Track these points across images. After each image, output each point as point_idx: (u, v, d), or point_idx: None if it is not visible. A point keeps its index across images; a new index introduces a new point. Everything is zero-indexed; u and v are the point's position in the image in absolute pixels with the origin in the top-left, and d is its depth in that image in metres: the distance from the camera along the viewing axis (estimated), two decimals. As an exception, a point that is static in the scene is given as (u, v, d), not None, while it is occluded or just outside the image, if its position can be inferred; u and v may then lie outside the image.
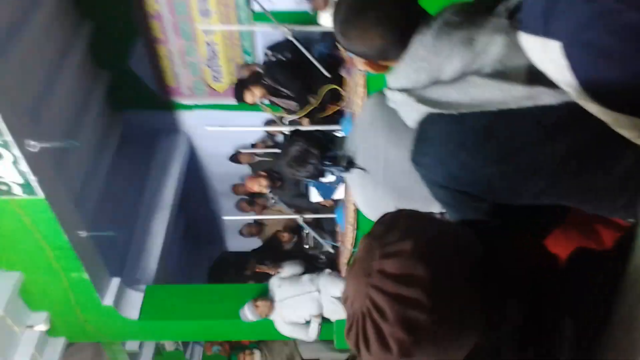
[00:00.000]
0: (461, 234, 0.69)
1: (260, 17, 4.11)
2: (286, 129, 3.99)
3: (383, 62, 1.05)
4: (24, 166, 2.88)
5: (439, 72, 0.93)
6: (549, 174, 0.89)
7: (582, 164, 0.86)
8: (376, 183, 1.49)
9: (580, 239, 1.19)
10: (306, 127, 3.73)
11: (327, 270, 4.06)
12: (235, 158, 5.21)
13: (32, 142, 2.85)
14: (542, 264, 0.72)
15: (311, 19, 4.16)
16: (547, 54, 0.69)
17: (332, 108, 3.80)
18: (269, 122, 4.90)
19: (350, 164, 1.54)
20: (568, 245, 1.03)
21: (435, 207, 1.44)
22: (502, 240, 0.77)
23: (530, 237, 0.82)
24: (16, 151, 2.81)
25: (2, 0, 3.31)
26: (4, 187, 2.97)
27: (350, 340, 0.64)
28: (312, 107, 3.74)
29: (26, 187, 2.98)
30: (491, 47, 0.88)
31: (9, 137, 2.74)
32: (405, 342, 0.58)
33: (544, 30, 0.67)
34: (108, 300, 3.83)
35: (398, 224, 0.66)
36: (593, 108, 0.71)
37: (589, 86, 0.67)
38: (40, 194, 3.02)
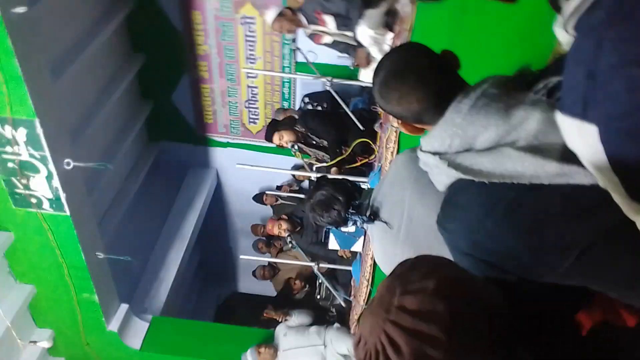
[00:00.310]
0: (481, 280, 0.69)
1: (303, 67, 4.26)
2: (314, 176, 4.03)
3: (419, 125, 1.06)
4: (56, 182, 2.97)
5: (473, 140, 0.94)
6: (575, 254, 0.86)
7: (609, 248, 0.84)
8: (397, 239, 1.48)
9: (603, 316, 1.14)
10: (334, 176, 3.75)
11: (336, 325, 3.95)
12: (259, 198, 5.25)
13: (67, 160, 2.95)
14: (564, 327, 0.69)
15: (351, 74, 4.29)
16: (582, 137, 0.69)
17: (361, 160, 3.82)
18: (298, 168, 4.96)
19: (374, 216, 1.53)
20: (591, 319, 0.99)
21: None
22: (527, 296, 0.75)
23: (557, 301, 0.79)
24: (52, 167, 2.91)
25: (68, 25, 3.54)
26: (34, 200, 3.05)
27: None
28: (342, 157, 3.77)
29: (55, 202, 3.06)
30: (528, 121, 0.88)
31: (47, 153, 2.85)
32: None
33: (582, 114, 0.67)
34: (113, 325, 3.80)
35: (421, 265, 0.67)
36: (617, 197, 0.70)
37: (621, 173, 0.66)
38: (67, 211, 3.09)
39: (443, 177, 1.00)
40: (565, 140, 0.77)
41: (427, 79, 0.99)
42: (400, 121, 1.09)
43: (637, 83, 0.58)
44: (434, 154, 1.00)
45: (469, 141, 0.95)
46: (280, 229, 4.49)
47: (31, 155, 2.88)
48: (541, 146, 0.86)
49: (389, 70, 1.02)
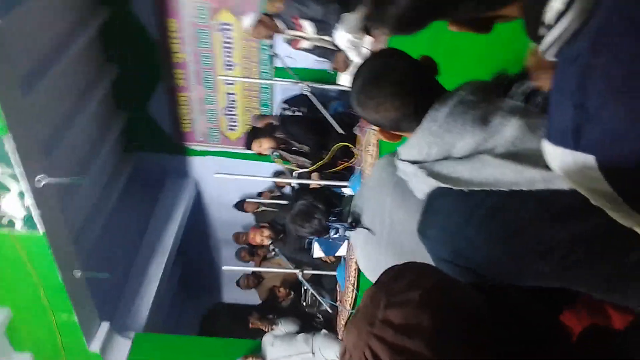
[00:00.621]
0: (465, 286, 0.68)
1: (282, 72, 4.23)
2: (294, 182, 3.99)
3: (397, 132, 1.06)
4: (29, 200, 2.87)
5: (450, 147, 0.94)
6: (555, 259, 0.86)
7: (591, 252, 0.84)
8: (379, 245, 1.47)
9: (590, 319, 1.15)
10: (315, 181, 3.73)
11: (324, 331, 3.92)
12: (240, 206, 5.19)
13: (41, 176, 2.86)
14: (552, 334, 0.68)
15: (330, 78, 4.27)
16: (578, 166, 0.68)
17: (342, 164, 3.81)
18: (278, 174, 4.92)
19: (355, 222, 1.52)
20: (579, 323, 0.98)
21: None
22: (513, 305, 0.74)
23: (543, 306, 0.78)
24: (24, 184, 2.81)
25: (40, 36, 3.45)
26: (5, 221, 2.95)
27: None
28: (322, 162, 3.75)
29: (28, 221, 2.96)
30: (505, 128, 0.88)
31: (20, 170, 2.76)
32: None
33: (575, 145, 0.66)
34: (95, 346, 3.69)
35: (405, 274, 0.66)
36: (614, 213, 0.69)
37: (625, 193, 0.66)
38: (41, 230, 2.99)
39: (422, 185, 1.00)
40: (552, 166, 0.75)
41: (405, 86, 0.98)
42: (378, 128, 1.08)
43: (629, 108, 0.57)
44: (413, 162, 0.99)
45: (447, 149, 0.94)
46: (263, 236, 4.45)
47: (2, 173, 2.78)
48: (519, 152, 0.86)
49: (366, 77, 1.00)
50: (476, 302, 0.66)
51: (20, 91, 2.87)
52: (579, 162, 0.67)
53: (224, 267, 4.26)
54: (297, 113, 4.21)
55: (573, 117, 0.64)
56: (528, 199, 0.86)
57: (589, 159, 0.65)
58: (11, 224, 2.97)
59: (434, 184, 0.96)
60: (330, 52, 3.51)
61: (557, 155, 0.72)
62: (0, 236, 3.03)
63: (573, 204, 0.80)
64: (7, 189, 2.84)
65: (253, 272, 5.20)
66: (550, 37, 0.67)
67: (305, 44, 3.53)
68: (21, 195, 2.87)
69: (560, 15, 0.64)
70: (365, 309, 0.63)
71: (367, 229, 1.49)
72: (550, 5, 0.65)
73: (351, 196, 1.72)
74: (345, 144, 3.62)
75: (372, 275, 1.55)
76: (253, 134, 3.90)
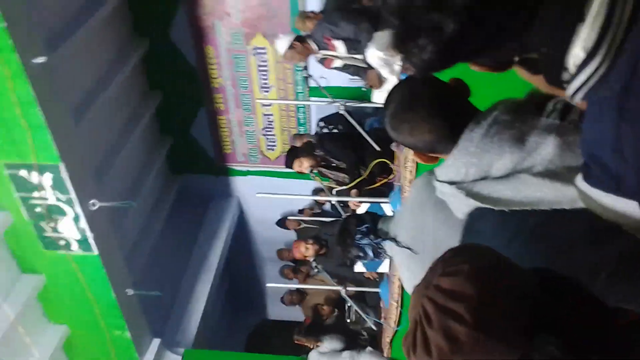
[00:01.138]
0: (521, 271, 0.73)
1: (316, 91, 4.30)
2: (334, 199, 4.02)
3: (433, 154, 1.06)
4: (83, 223, 3.03)
5: (488, 168, 0.94)
6: (603, 277, 0.85)
7: (636, 269, 0.82)
8: (423, 263, 1.45)
9: None
10: (354, 198, 3.74)
11: (369, 348, 3.88)
12: (282, 223, 5.25)
13: (93, 201, 3.02)
14: (599, 321, 0.71)
15: (364, 95, 4.30)
16: (619, 208, 0.68)
17: (380, 181, 3.80)
18: (318, 191, 4.96)
19: (393, 240, 1.52)
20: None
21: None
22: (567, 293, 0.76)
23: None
24: (78, 209, 2.98)
25: (86, 69, 3.67)
26: (63, 242, 3.12)
27: (404, 347, 0.71)
28: (360, 179, 3.76)
29: (83, 243, 3.12)
30: (543, 147, 0.88)
31: (73, 196, 2.92)
32: (444, 349, 0.65)
33: (616, 190, 0.66)
34: (146, 360, 3.82)
35: (463, 251, 0.74)
36: None
37: None
38: (95, 251, 3.14)
39: (462, 206, 1.00)
40: (590, 206, 0.75)
41: (437, 108, 0.99)
42: (414, 152, 1.09)
43: None
44: (451, 183, 0.99)
45: (484, 169, 0.94)
46: (307, 249, 4.45)
47: (58, 199, 2.95)
48: (558, 171, 0.86)
49: (398, 102, 1.02)
50: (526, 283, 0.71)
51: (71, 122, 3.05)
52: (620, 206, 0.67)
53: (268, 284, 4.32)
54: (334, 131, 4.25)
55: (611, 162, 0.64)
56: (571, 218, 0.85)
57: (631, 205, 0.66)
58: (67, 246, 3.14)
59: (473, 204, 0.95)
60: (362, 70, 3.54)
61: (594, 196, 0.72)
62: (57, 257, 3.21)
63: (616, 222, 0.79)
64: (64, 213, 3.01)
65: (297, 289, 5.22)
66: (577, 82, 0.66)
67: (337, 62, 3.58)
68: (76, 219, 3.03)
69: (584, 61, 0.64)
70: (426, 276, 0.73)
71: (408, 248, 1.48)
72: (572, 53, 0.65)
73: (390, 216, 1.72)
74: (383, 160, 3.62)
75: (417, 294, 1.54)
76: (293, 154, 3.96)
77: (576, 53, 0.64)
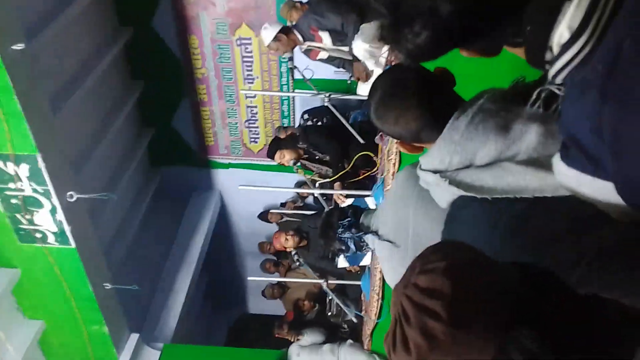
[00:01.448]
0: (500, 267, 0.73)
1: (301, 84, 4.28)
2: (317, 192, 4.01)
3: (417, 144, 1.06)
4: (60, 215, 2.96)
5: (472, 156, 0.94)
6: (584, 265, 0.85)
7: (619, 256, 0.83)
8: (405, 257, 1.46)
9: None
10: (337, 191, 3.73)
11: (349, 341, 3.90)
12: (264, 216, 5.23)
13: (71, 193, 2.95)
14: (583, 316, 0.72)
15: (349, 88, 4.29)
16: (595, 189, 0.69)
17: (364, 174, 3.81)
18: (301, 184, 4.94)
19: (374, 234, 1.52)
20: None
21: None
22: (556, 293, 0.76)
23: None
24: (55, 200, 2.91)
25: (66, 57, 3.57)
26: (39, 235, 3.05)
27: (385, 346, 0.72)
28: (344, 172, 3.76)
29: (60, 236, 3.05)
30: (526, 135, 0.88)
31: (50, 187, 2.85)
32: (422, 347, 0.66)
33: (594, 171, 0.67)
34: (125, 356, 3.76)
35: (441, 249, 0.75)
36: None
37: None
38: (72, 244, 3.08)
39: (445, 194, 1.00)
40: (563, 184, 0.76)
41: (422, 96, 0.98)
42: (398, 141, 1.09)
43: None
44: (434, 172, 0.99)
45: (468, 157, 0.94)
46: (287, 240, 4.43)
47: (34, 190, 2.88)
48: (542, 159, 0.86)
49: (383, 90, 1.01)
50: (505, 278, 0.71)
51: (49, 112, 2.97)
52: (597, 187, 0.68)
53: (249, 278, 4.30)
54: (318, 123, 4.24)
55: (590, 143, 0.65)
56: (554, 206, 0.86)
57: (608, 186, 0.66)
58: (44, 239, 3.07)
59: (456, 192, 0.96)
60: (348, 63, 3.53)
61: (572, 177, 0.72)
62: (33, 251, 3.13)
63: (599, 210, 0.79)
64: (40, 205, 2.94)
65: (278, 282, 5.22)
66: (560, 62, 0.66)
67: (323, 54, 3.56)
68: (53, 211, 2.96)
69: (568, 41, 0.64)
70: (405, 274, 0.74)
71: (390, 241, 1.48)
72: (556, 32, 0.65)
73: (364, 208, 1.72)
74: (367, 152, 3.62)
75: (398, 286, 1.55)
76: (276, 145, 3.94)
77: (561, 32, 0.64)
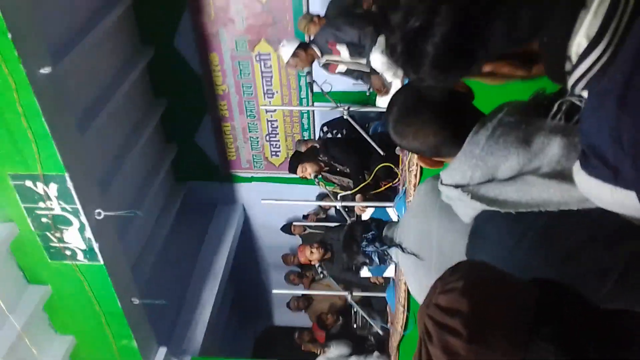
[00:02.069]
0: (519, 283, 0.75)
1: (320, 97, 4.31)
2: (338, 204, 4.00)
3: (437, 158, 1.05)
4: (88, 233, 3.03)
5: (494, 170, 0.93)
6: (613, 279, 0.84)
7: None
8: (430, 270, 1.44)
9: None
10: (359, 203, 3.72)
11: (376, 353, 3.86)
12: (287, 229, 5.25)
13: (98, 211, 3.02)
14: (603, 332, 0.71)
15: (368, 99, 4.30)
16: (617, 199, 0.67)
17: (385, 185, 3.78)
18: (322, 196, 4.95)
19: (398, 247, 1.51)
20: None
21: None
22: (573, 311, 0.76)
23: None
24: (83, 218, 2.98)
25: (91, 78, 3.68)
26: (69, 253, 3.12)
27: None
28: (365, 184, 3.75)
29: (88, 253, 3.12)
30: (549, 147, 0.87)
31: (78, 206, 2.92)
32: None
33: (615, 180, 0.65)
34: (153, 370, 3.80)
35: (460, 268, 0.77)
36: None
37: None
38: (101, 260, 3.14)
39: (468, 209, 0.99)
40: (585, 193, 0.75)
41: (441, 111, 0.98)
42: (419, 156, 1.08)
43: None
44: (456, 186, 0.98)
45: (490, 172, 0.93)
46: (312, 253, 4.44)
47: (63, 209, 2.96)
48: (565, 171, 0.84)
49: (401, 105, 1.01)
50: (524, 295, 0.72)
51: (76, 132, 3.06)
52: (618, 197, 0.67)
53: (274, 291, 4.30)
54: (338, 135, 4.25)
55: (610, 151, 0.63)
56: (580, 219, 0.84)
57: (630, 195, 0.64)
58: (73, 256, 3.14)
59: (479, 207, 0.95)
60: (366, 75, 3.54)
61: (593, 186, 0.71)
62: (63, 268, 3.21)
63: (625, 222, 0.78)
64: (69, 223, 3.01)
65: (303, 294, 5.21)
66: (579, 71, 0.66)
67: (341, 67, 3.58)
68: (81, 228, 3.03)
69: (586, 49, 0.63)
70: (428, 294, 0.78)
71: (414, 254, 1.47)
72: (574, 42, 0.64)
73: (386, 221, 1.70)
74: (387, 164, 3.60)
75: (422, 300, 1.53)
76: (297, 158, 3.96)
77: (579, 42, 0.63)
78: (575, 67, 0.66)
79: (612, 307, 0.90)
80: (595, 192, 0.72)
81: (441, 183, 1.04)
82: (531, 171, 0.89)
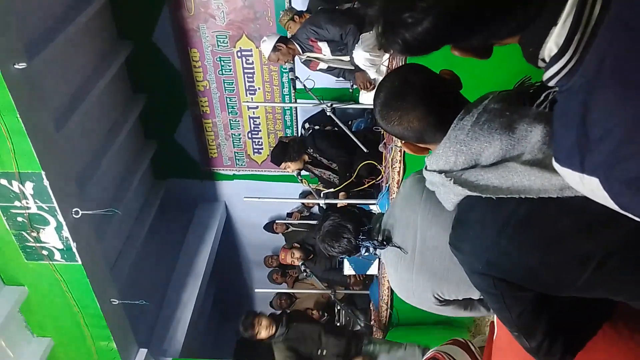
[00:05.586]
0: None
1: (303, 93, 4.29)
2: (322, 202, 3.99)
3: (421, 145, 1.06)
4: (66, 232, 2.96)
5: (478, 156, 0.93)
6: (592, 266, 0.86)
7: (626, 257, 0.84)
8: (411, 263, 1.45)
9: (631, 336, 1.11)
10: (342, 200, 3.72)
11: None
12: (270, 227, 5.22)
13: (76, 209, 2.95)
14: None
15: (351, 96, 4.30)
16: (586, 186, 0.73)
17: (368, 182, 3.79)
18: (306, 194, 4.93)
19: (386, 241, 1.51)
20: (619, 342, 0.99)
21: (474, 292, 1.37)
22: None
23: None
24: (60, 217, 2.91)
25: (68, 74, 3.59)
26: (46, 252, 3.04)
27: None
28: (348, 181, 3.75)
29: (66, 252, 3.05)
30: (531, 134, 0.88)
31: (55, 204, 2.85)
32: None
33: (581, 167, 0.72)
34: (133, 371, 3.74)
35: None
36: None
37: (633, 213, 0.72)
38: (79, 260, 3.07)
39: (450, 195, 1.00)
40: (568, 183, 0.80)
41: (427, 96, 0.99)
42: (402, 141, 1.09)
43: (623, 138, 0.65)
44: (440, 172, 0.99)
45: (474, 157, 0.94)
46: (294, 257, 4.45)
47: (39, 208, 2.88)
48: (547, 159, 0.85)
49: (388, 90, 1.02)
50: None
51: (52, 129, 2.98)
52: (586, 183, 0.73)
53: (256, 290, 4.29)
54: (326, 128, 4.19)
55: (577, 143, 0.71)
56: (559, 207, 0.86)
57: (594, 181, 0.71)
58: (50, 256, 3.07)
59: (461, 192, 0.96)
60: (348, 72, 3.53)
61: (567, 175, 0.77)
62: (41, 267, 3.13)
63: (605, 211, 0.80)
64: (46, 223, 2.94)
65: (286, 293, 5.19)
66: (549, 72, 0.74)
67: (322, 65, 3.57)
68: (59, 227, 2.96)
69: (557, 55, 0.71)
70: None
71: (399, 247, 1.47)
72: (546, 46, 0.73)
73: (381, 214, 1.69)
74: (371, 161, 3.61)
75: (404, 295, 1.53)
76: (282, 153, 3.90)
77: (550, 47, 0.73)
78: (547, 67, 0.74)
79: (590, 295, 0.92)
80: (569, 180, 0.77)
81: (425, 169, 1.04)
82: (513, 158, 0.90)
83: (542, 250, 0.89)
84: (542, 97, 0.89)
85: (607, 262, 0.84)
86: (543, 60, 0.76)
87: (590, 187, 0.72)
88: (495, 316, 1.25)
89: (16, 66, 2.49)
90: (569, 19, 0.69)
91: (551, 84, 0.76)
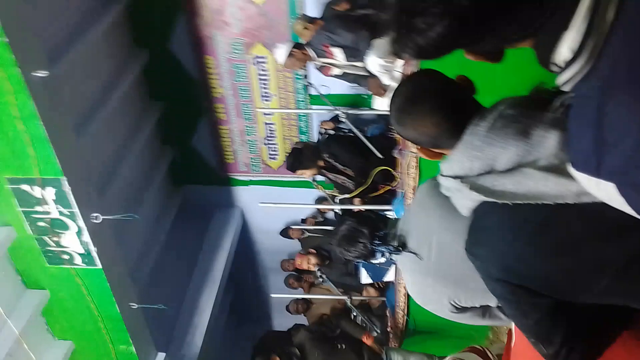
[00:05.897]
0: None
1: (317, 99, 4.31)
2: (337, 208, 3.99)
3: (437, 150, 1.06)
4: (86, 237, 3.02)
5: (493, 161, 0.93)
6: (611, 274, 0.86)
7: None
8: (428, 269, 1.45)
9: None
10: (357, 206, 3.72)
11: (376, 358, 3.83)
12: (285, 233, 5.23)
13: (96, 215, 3.00)
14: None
15: (365, 102, 4.30)
16: (602, 191, 0.73)
17: (383, 188, 3.78)
18: (320, 199, 4.94)
19: (401, 246, 1.50)
20: (638, 350, 0.97)
21: (491, 299, 1.36)
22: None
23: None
24: (81, 222, 2.97)
25: (88, 81, 3.67)
26: (67, 257, 3.11)
27: None
28: (363, 188, 3.74)
29: (86, 257, 3.10)
30: (547, 140, 0.87)
31: (75, 209, 2.91)
32: None
33: (597, 172, 0.72)
34: (151, 376, 3.78)
35: None
36: None
37: None
38: (99, 265, 3.12)
39: (466, 200, 1.00)
40: (585, 188, 0.80)
41: (442, 102, 0.99)
42: (418, 147, 1.09)
43: (639, 143, 0.65)
44: (455, 177, 0.99)
45: (489, 163, 0.94)
46: (310, 263, 4.44)
47: (61, 213, 2.94)
48: (562, 165, 0.85)
49: (404, 96, 1.03)
50: None
51: (73, 135, 3.05)
52: (602, 188, 0.72)
53: (272, 295, 4.29)
54: (341, 132, 4.19)
55: (593, 147, 0.71)
56: (576, 214, 0.85)
57: (611, 187, 0.70)
58: (71, 260, 3.13)
59: (477, 198, 0.96)
60: (362, 78, 3.53)
61: (583, 181, 0.76)
62: (61, 271, 3.19)
63: (623, 217, 0.79)
64: (67, 227, 3.00)
65: (302, 298, 5.19)
66: (564, 77, 0.74)
67: (336, 70, 3.58)
68: (79, 232, 3.02)
69: (571, 60, 0.71)
70: None
71: (414, 253, 1.47)
72: (559, 51, 0.73)
73: (396, 219, 1.70)
74: (385, 167, 3.60)
75: (421, 300, 1.52)
76: (297, 160, 3.91)
77: (564, 51, 0.73)
78: (562, 72, 0.74)
79: (609, 302, 0.91)
80: (586, 186, 0.76)
81: (441, 174, 1.05)
82: (529, 163, 0.89)
83: (560, 256, 0.88)
84: (557, 103, 0.89)
85: (629, 269, 0.83)
86: (556, 64, 0.76)
87: (606, 192, 0.72)
88: (513, 323, 1.24)
89: (38, 74, 2.56)
90: (583, 24, 0.69)
91: (566, 88, 0.76)
